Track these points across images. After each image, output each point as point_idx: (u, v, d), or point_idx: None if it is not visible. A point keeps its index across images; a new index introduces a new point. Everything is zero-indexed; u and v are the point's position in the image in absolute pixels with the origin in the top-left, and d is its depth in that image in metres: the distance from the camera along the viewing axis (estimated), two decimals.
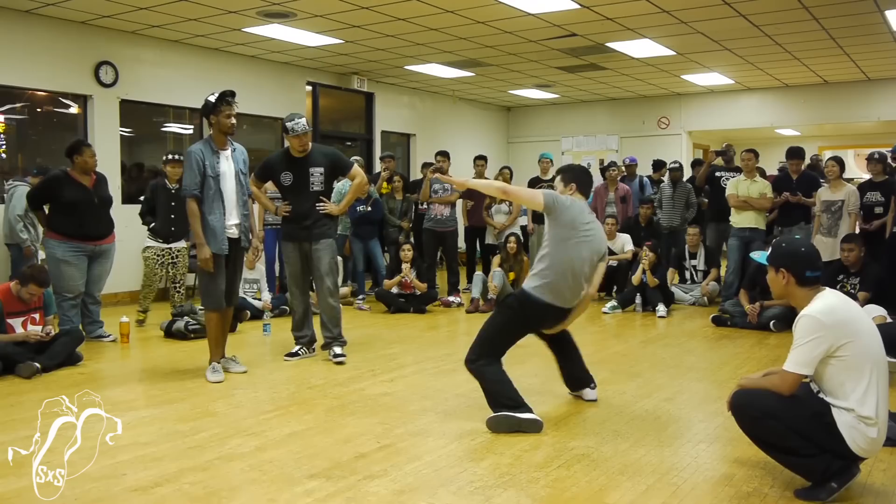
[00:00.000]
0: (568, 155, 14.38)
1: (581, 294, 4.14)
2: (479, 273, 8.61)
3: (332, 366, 5.43)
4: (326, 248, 5.52)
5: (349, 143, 11.92)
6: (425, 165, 10.61)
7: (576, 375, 4.50)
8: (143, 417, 4.17)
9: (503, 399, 3.90)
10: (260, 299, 7.72)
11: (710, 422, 4.08)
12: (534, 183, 9.81)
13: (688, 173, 10.27)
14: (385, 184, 9.31)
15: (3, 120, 8.11)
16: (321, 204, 5.49)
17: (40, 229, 6.60)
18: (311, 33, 8.78)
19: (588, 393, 4.48)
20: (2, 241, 7.36)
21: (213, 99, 4.97)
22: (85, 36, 8.31)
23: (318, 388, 4.84)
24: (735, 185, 8.15)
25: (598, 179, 11.80)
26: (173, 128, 9.89)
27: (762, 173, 8.58)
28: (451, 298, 8.59)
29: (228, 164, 5.05)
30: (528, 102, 14.49)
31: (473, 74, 11.47)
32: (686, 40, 9.18)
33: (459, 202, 9.17)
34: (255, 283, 7.76)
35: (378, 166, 10.27)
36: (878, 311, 5.79)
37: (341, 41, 9.20)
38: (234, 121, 5.01)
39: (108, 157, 8.17)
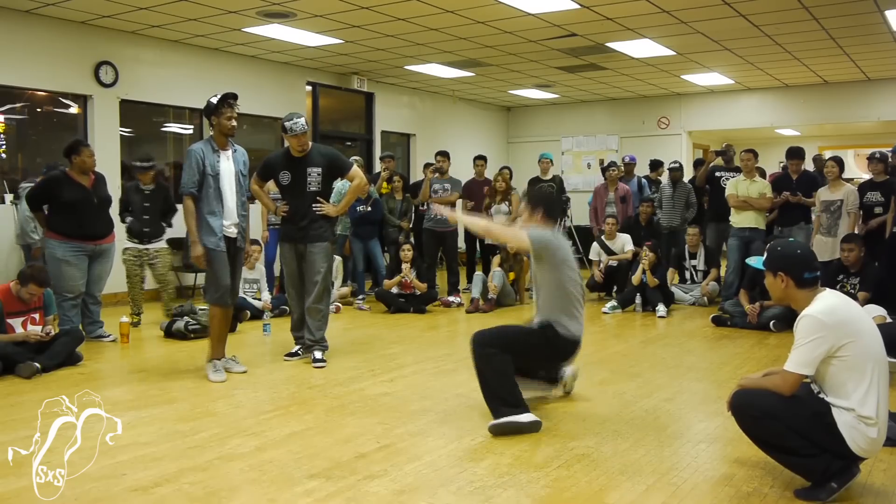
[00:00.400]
0: (568, 155, 14.39)
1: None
2: (479, 273, 8.61)
3: (333, 366, 5.43)
4: (320, 251, 5.47)
5: (349, 143, 11.92)
6: (427, 166, 10.63)
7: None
8: (143, 417, 4.17)
9: (504, 394, 3.87)
10: (260, 299, 7.72)
11: (710, 422, 4.07)
12: (534, 183, 9.81)
13: (690, 173, 10.28)
14: (385, 184, 9.31)
15: (3, 120, 8.11)
16: (318, 205, 5.47)
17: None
18: (311, 33, 8.78)
19: (565, 373, 4.50)
20: (14, 242, 7.50)
21: (214, 100, 5.01)
22: (85, 36, 8.31)
23: (318, 388, 4.84)
24: (735, 185, 8.15)
25: (598, 179, 11.84)
26: (173, 128, 9.89)
27: (762, 173, 8.58)
28: (451, 298, 8.59)
29: (228, 165, 5.09)
30: (528, 102, 14.49)
31: (473, 74, 11.47)
32: (686, 40, 9.18)
33: (459, 202, 9.17)
34: (255, 283, 7.76)
35: (378, 166, 10.27)
36: (878, 311, 5.79)
37: (341, 41, 9.20)
38: (234, 123, 5.06)
39: (108, 158, 8.17)
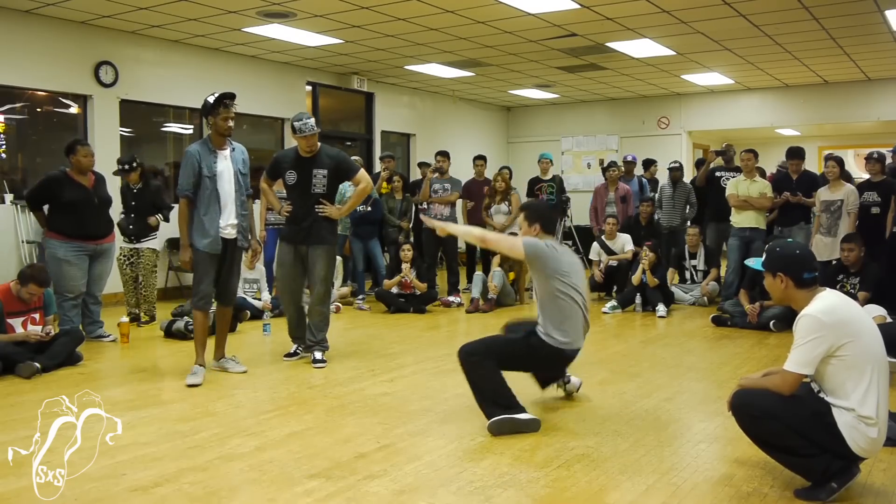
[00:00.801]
0: (568, 155, 14.39)
1: (588, 317, 4.12)
2: (479, 273, 8.61)
3: (333, 366, 5.43)
4: (323, 253, 5.45)
5: (349, 143, 11.92)
6: (421, 165, 10.65)
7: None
8: (143, 417, 4.17)
9: (496, 398, 3.86)
10: (260, 299, 7.72)
11: (710, 422, 4.07)
12: (534, 183, 9.83)
13: (693, 173, 10.28)
14: (385, 184, 9.31)
15: (3, 120, 8.11)
16: (321, 206, 5.43)
17: None
18: (311, 33, 8.78)
19: (571, 386, 4.48)
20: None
21: (211, 100, 4.96)
22: (85, 36, 8.30)
23: (318, 388, 4.84)
24: (735, 185, 8.15)
25: (598, 179, 11.85)
26: (173, 128, 9.89)
27: (762, 173, 8.58)
28: (451, 298, 8.59)
29: (226, 164, 5.05)
30: (528, 102, 14.48)
31: (473, 74, 11.47)
32: (686, 40, 9.18)
33: (459, 202, 9.17)
34: (255, 283, 7.76)
35: (378, 166, 10.27)
36: (878, 311, 5.79)
37: (341, 41, 9.20)
38: (231, 123, 5.01)
39: (108, 157, 8.15)
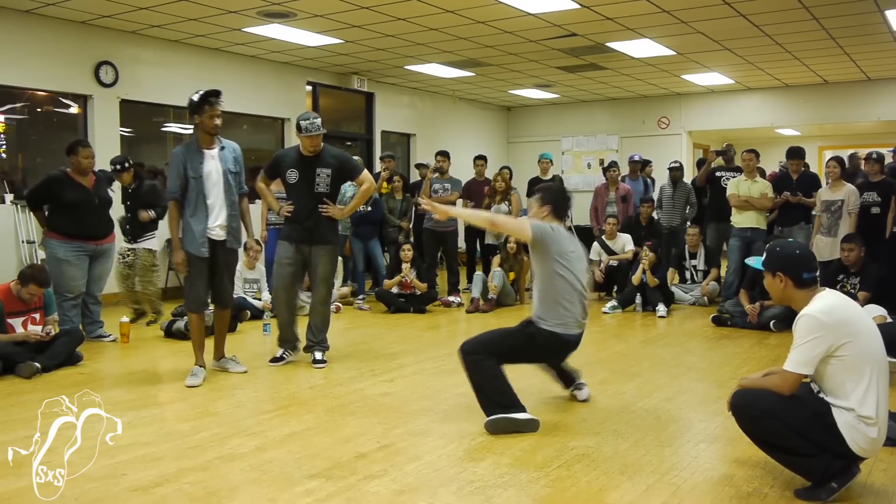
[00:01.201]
0: (568, 155, 14.38)
1: (587, 305, 4.12)
2: (479, 273, 8.62)
3: (333, 366, 5.43)
4: (326, 253, 5.41)
5: (349, 143, 11.92)
6: (419, 166, 10.65)
7: (565, 371, 4.50)
8: (143, 417, 4.17)
9: (497, 397, 3.86)
10: (260, 299, 7.71)
11: (710, 422, 4.07)
12: (534, 183, 9.81)
13: (693, 173, 10.28)
14: (385, 184, 9.31)
15: (3, 120, 8.12)
16: (324, 206, 5.38)
17: None
18: (311, 33, 8.78)
19: (580, 394, 4.48)
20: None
21: (196, 98, 4.83)
22: (85, 36, 8.30)
23: (318, 388, 4.84)
24: (736, 185, 8.15)
25: (598, 179, 11.85)
26: (173, 128, 9.89)
27: (762, 173, 8.58)
28: (451, 298, 8.59)
29: (214, 164, 4.93)
30: (528, 102, 14.48)
31: (473, 74, 11.47)
32: (686, 40, 9.18)
33: (460, 202, 9.17)
34: (255, 283, 7.75)
35: (378, 166, 10.28)
36: (878, 311, 5.79)
37: (341, 41, 9.20)
38: (217, 121, 4.88)
39: (108, 158, 8.13)
